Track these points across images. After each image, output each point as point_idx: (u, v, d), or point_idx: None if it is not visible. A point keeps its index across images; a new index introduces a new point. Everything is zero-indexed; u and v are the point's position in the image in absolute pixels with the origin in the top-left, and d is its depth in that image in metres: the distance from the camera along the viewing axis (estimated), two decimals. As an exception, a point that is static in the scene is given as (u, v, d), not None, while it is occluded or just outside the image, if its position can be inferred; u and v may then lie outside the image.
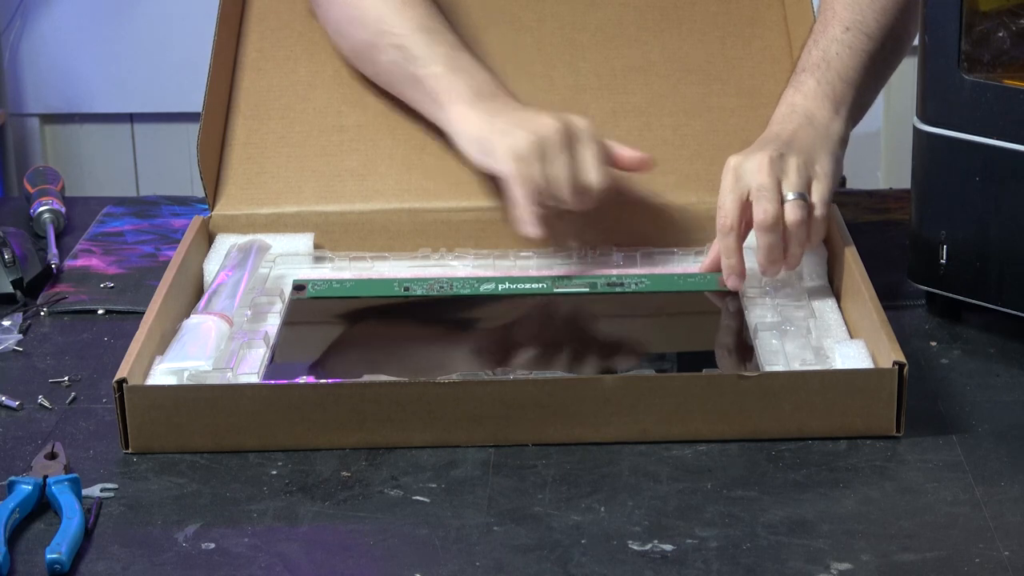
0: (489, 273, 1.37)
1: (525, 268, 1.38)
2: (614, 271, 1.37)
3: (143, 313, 1.25)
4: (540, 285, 1.35)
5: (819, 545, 1.04)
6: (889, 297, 1.35)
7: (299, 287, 1.35)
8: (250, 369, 1.21)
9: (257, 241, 1.40)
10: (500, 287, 1.35)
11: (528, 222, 1.31)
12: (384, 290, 1.35)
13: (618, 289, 1.34)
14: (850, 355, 1.20)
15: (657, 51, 1.49)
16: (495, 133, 1.35)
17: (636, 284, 1.35)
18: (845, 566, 1.02)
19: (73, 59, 2.93)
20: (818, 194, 1.29)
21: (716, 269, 1.32)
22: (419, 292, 1.34)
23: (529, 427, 1.16)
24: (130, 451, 1.16)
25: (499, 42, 1.50)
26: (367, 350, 1.30)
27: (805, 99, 1.36)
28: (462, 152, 1.39)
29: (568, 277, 1.36)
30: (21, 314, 1.39)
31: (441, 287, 1.35)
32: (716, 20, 1.51)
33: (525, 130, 1.33)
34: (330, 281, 1.36)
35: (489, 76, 1.41)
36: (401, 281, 1.36)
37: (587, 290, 1.34)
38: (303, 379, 1.18)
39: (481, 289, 1.35)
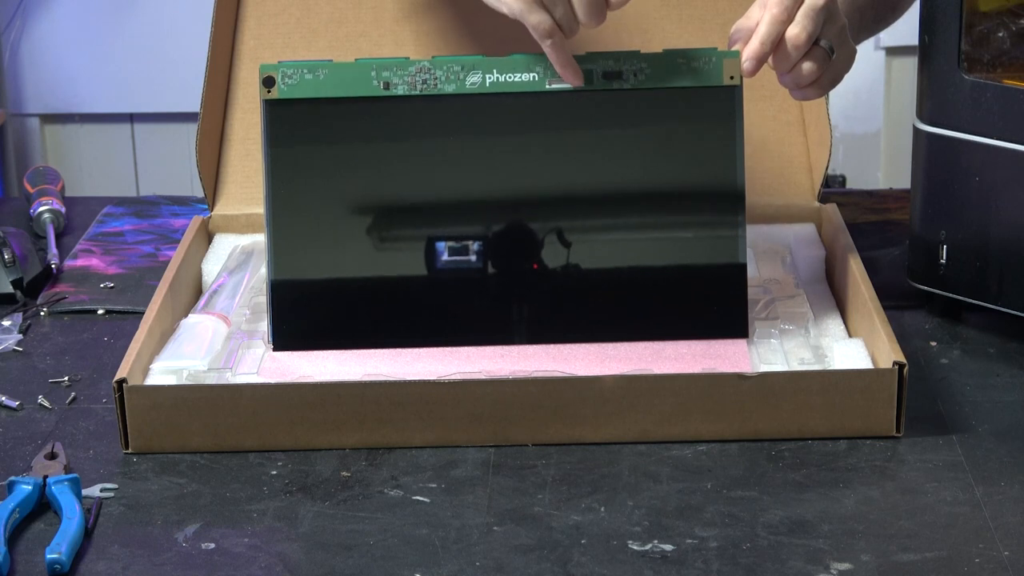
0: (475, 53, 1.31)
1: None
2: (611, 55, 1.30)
3: (143, 313, 1.25)
4: (531, 76, 1.31)
5: (819, 545, 1.04)
6: (889, 297, 1.35)
7: (269, 82, 1.28)
8: (249, 369, 1.21)
9: (260, 242, 1.40)
10: (488, 79, 1.30)
11: (567, 69, 1.27)
12: (362, 87, 1.29)
13: (616, 85, 1.30)
14: (848, 354, 1.20)
15: (657, 39, 1.49)
16: None
17: (636, 75, 1.31)
18: (845, 566, 1.02)
19: (73, 59, 2.93)
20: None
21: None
22: (401, 90, 1.29)
23: (529, 427, 1.16)
24: (130, 451, 1.16)
25: (496, 28, 1.49)
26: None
27: None
28: None
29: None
30: (21, 314, 1.39)
31: (425, 82, 1.29)
32: (716, 7, 1.51)
33: None
34: (301, 70, 1.29)
35: None
36: (379, 68, 1.28)
37: (582, 86, 1.28)
38: (299, 379, 1.18)
39: (468, 84, 1.29)
